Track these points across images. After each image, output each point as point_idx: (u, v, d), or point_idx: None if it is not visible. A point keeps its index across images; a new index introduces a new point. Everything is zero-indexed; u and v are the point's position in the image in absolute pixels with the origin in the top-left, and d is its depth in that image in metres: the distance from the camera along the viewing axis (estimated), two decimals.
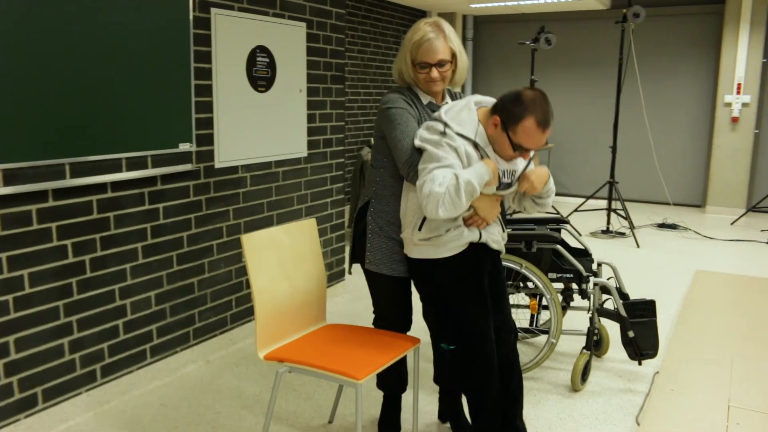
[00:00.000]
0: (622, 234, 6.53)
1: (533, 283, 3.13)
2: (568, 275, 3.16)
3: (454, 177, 2.02)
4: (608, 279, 3.17)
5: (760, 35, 7.30)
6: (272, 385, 3.07)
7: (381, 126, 2.31)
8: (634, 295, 4.50)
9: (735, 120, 7.49)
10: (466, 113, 2.14)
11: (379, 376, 2.57)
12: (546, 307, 3.43)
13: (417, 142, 2.15)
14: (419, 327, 3.56)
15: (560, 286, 3.36)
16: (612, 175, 6.41)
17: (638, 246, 6.07)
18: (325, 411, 2.85)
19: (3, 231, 2.38)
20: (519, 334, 3.58)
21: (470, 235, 2.18)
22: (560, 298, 3.28)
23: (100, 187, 2.71)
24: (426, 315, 2.44)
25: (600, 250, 5.93)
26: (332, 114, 4.16)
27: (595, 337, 3.33)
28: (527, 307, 3.45)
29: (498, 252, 2.36)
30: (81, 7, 2.50)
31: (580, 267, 3.13)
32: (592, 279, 3.13)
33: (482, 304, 2.23)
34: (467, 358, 2.25)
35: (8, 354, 2.45)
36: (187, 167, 3.09)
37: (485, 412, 2.26)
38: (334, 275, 4.37)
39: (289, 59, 3.70)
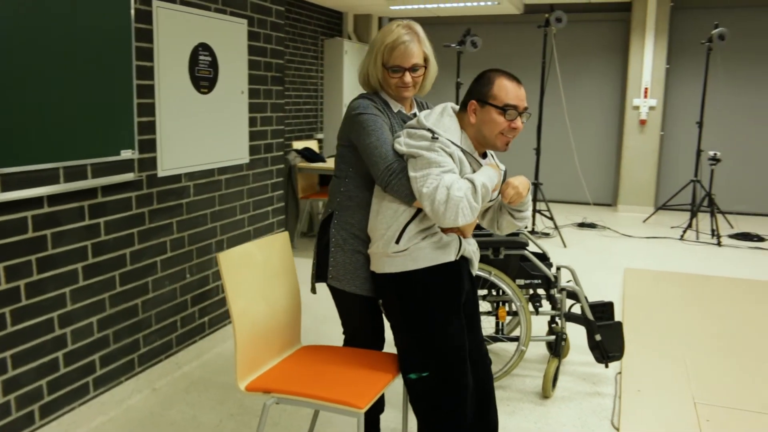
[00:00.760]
0: (547, 234, 6.66)
1: (500, 290, 3.06)
2: (536, 281, 3.11)
3: (469, 181, 1.92)
4: (568, 282, 3.15)
5: (664, 42, 7.69)
6: (259, 417, 2.82)
7: (349, 134, 2.13)
8: None
9: (643, 122, 7.85)
10: (448, 119, 2.04)
11: None
12: (515, 313, 3.38)
13: (403, 149, 2.00)
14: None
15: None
16: (536, 177, 6.52)
17: (565, 246, 6.21)
18: None
19: None
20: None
21: (449, 240, 2.04)
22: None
23: (36, 202, 2.36)
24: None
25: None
26: (273, 117, 3.93)
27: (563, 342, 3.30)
28: (489, 314, 3.38)
29: (470, 274, 2.21)
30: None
31: (549, 272, 3.09)
32: (559, 284, 3.10)
33: (459, 322, 2.07)
34: (440, 383, 2.04)
35: None
36: (129, 177, 2.78)
37: None
38: None
39: (231, 58, 3.44)
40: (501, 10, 8.10)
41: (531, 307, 3.26)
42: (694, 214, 6.89)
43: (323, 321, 4.00)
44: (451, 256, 2.04)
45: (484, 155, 2.14)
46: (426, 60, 2.17)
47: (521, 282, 3.11)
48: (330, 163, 5.92)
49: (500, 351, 3.57)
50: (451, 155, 1.97)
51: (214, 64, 3.29)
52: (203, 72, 3.22)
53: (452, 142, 1.99)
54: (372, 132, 2.07)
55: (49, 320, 2.45)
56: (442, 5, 7.97)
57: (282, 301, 2.30)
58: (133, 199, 2.83)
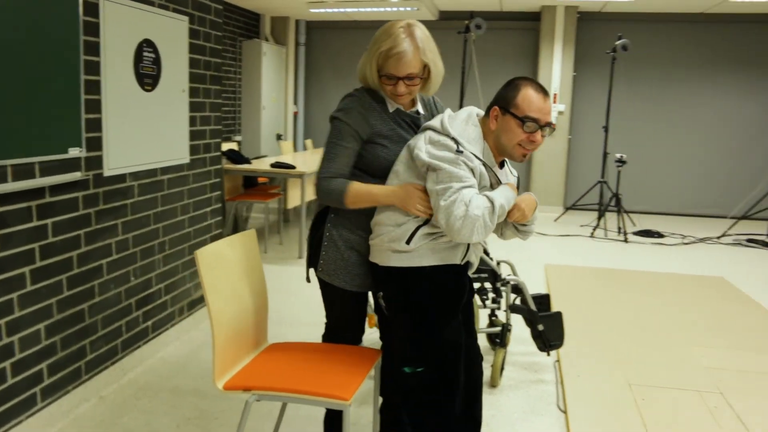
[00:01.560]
0: None
1: None
2: (483, 275, 3.23)
3: (488, 200, 1.89)
4: (508, 275, 3.30)
5: (571, 51, 8.14)
6: (240, 416, 2.76)
7: None
8: None
9: (553, 127, 8.25)
10: (472, 129, 1.99)
11: None
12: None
13: (424, 158, 1.93)
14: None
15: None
16: None
17: (486, 243, 6.42)
18: None
19: None
20: None
21: (456, 243, 2.03)
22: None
23: None
24: (386, 333, 2.32)
25: None
26: (211, 117, 3.86)
27: (509, 333, 3.44)
28: None
29: (468, 277, 2.24)
30: None
31: (495, 266, 3.22)
32: (504, 278, 3.24)
33: (458, 321, 2.10)
34: (434, 379, 2.05)
35: None
36: (77, 176, 2.66)
37: None
38: None
39: (173, 56, 3.35)
40: (418, 16, 8.29)
41: (479, 301, 3.38)
42: (602, 214, 7.33)
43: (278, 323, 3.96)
44: (456, 259, 2.05)
45: (501, 164, 2.14)
46: (426, 66, 2.08)
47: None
48: (255, 165, 5.85)
49: None
50: (473, 170, 1.93)
51: (157, 61, 3.21)
52: (147, 69, 3.13)
53: (475, 156, 1.96)
54: (333, 142, 2.10)
55: None
56: (361, 9, 8.07)
57: (252, 299, 2.28)
58: (80, 199, 2.72)
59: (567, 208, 8.19)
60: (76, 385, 2.76)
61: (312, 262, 2.28)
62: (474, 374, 2.22)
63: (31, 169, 2.41)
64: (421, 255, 2.01)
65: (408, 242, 1.99)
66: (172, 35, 3.33)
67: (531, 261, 5.78)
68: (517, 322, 3.93)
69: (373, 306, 3.41)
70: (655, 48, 8.34)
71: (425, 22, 9.12)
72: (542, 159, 8.35)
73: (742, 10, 7.77)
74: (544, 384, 3.24)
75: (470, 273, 2.21)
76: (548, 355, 3.41)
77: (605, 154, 7.39)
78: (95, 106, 2.76)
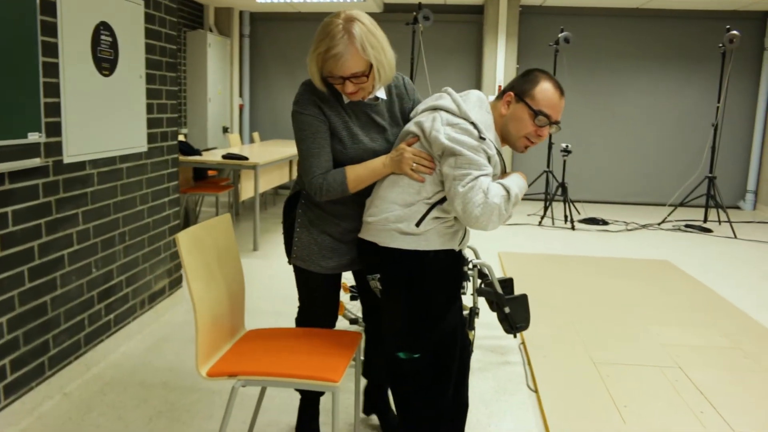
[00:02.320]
0: None
1: None
2: None
3: (503, 189, 1.86)
4: (471, 260, 3.35)
5: (514, 44, 8.30)
6: (225, 404, 2.68)
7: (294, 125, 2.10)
8: None
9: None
10: (486, 116, 1.94)
11: None
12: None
13: (446, 142, 1.85)
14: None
15: None
16: None
17: None
18: (242, 428, 2.57)
19: None
20: None
21: (457, 229, 2.02)
22: None
23: None
24: (373, 315, 2.30)
25: None
26: (167, 105, 3.75)
27: (476, 317, 3.49)
28: None
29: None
30: None
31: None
32: (471, 260, 3.28)
33: (457, 306, 2.09)
34: (430, 365, 2.01)
35: None
36: (36, 162, 2.54)
37: (435, 425, 2.07)
38: (174, 282, 3.95)
39: (129, 40, 3.24)
40: (364, 8, 8.28)
41: None
42: (549, 203, 7.51)
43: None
44: (455, 245, 2.02)
45: None
46: (370, 63, 1.92)
47: None
48: (205, 157, 5.73)
49: None
50: (490, 158, 1.89)
51: (114, 45, 3.09)
52: (105, 53, 3.01)
53: (493, 143, 1.92)
54: (305, 138, 2.01)
55: None
56: (307, 0, 8.00)
57: (230, 285, 2.23)
58: (40, 186, 2.60)
59: None
60: (39, 381, 2.64)
61: (286, 249, 2.25)
62: (463, 356, 2.22)
63: None
64: (429, 238, 1.95)
65: (418, 225, 1.93)
66: (129, 19, 3.22)
67: (483, 250, 5.87)
68: (481, 305, 3.98)
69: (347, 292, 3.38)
70: (595, 41, 8.60)
71: (372, 15, 9.12)
72: None
73: (674, 6, 8.10)
74: (512, 365, 3.30)
75: None
76: (515, 337, 3.48)
77: (550, 144, 7.57)
78: (54, 90, 2.64)
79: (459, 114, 1.91)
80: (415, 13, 6.65)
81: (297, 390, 2.39)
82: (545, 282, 4.76)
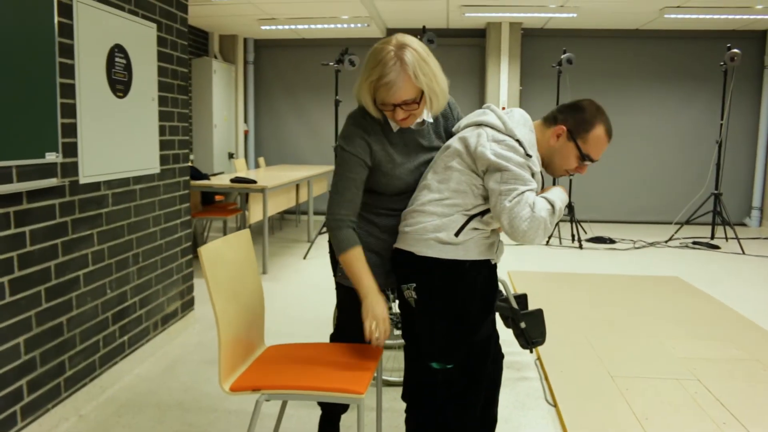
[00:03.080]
0: None
1: None
2: None
3: (548, 203, 1.87)
4: None
5: (517, 66, 8.37)
6: (250, 418, 2.65)
7: None
8: None
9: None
10: (531, 135, 1.95)
11: None
12: None
13: (492, 158, 1.86)
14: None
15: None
16: None
17: None
18: None
19: None
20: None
21: (494, 240, 2.04)
22: None
23: None
24: (410, 331, 2.25)
25: None
26: (179, 127, 3.77)
27: None
28: None
29: None
30: None
31: None
32: None
33: (491, 319, 2.09)
34: (463, 376, 2.02)
35: None
36: (53, 182, 2.56)
37: None
38: (186, 304, 3.93)
39: (143, 63, 3.28)
40: (368, 33, 8.37)
41: None
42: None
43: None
44: (493, 255, 2.03)
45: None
46: (421, 90, 1.92)
47: None
48: (213, 181, 5.75)
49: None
50: (534, 175, 1.91)
51: (128, 68, 3.13)
52: (119, 75, 3.04)
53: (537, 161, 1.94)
54: (340, 174, 2.04)
55: None
56: (311, 26, 8.09)
57: (250, 299, 2.23)
58: (57, 206, 2.60)
59: None
60: (55, 403, 2.62)
61: (333, 267, 2.25)
62: (495, 370, 2.20)
63: (9, 173, 2.30)
64: (467, 248, 1.95)
65: (457, 234, 1.93)
66: (142, 42, 3.26)
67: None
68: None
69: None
70: (597, 62, 8.67)
71: (376, 40, 9.21)
72: None
73: (674, 26, 8.19)
74: (529, 381, 3.27)
75: None
76: (531, 352, 3.45)
77: None
78: (70, 111, 2.67)
79: (504, 131, 1.91)
80: (419, 37, 6.73)
81: (319, 405, 2.37)
82: (556, 299, 4.74)
